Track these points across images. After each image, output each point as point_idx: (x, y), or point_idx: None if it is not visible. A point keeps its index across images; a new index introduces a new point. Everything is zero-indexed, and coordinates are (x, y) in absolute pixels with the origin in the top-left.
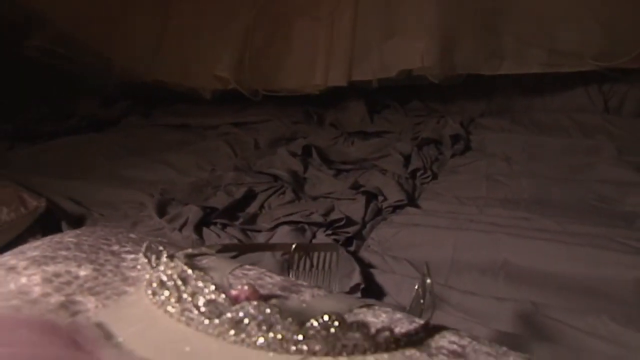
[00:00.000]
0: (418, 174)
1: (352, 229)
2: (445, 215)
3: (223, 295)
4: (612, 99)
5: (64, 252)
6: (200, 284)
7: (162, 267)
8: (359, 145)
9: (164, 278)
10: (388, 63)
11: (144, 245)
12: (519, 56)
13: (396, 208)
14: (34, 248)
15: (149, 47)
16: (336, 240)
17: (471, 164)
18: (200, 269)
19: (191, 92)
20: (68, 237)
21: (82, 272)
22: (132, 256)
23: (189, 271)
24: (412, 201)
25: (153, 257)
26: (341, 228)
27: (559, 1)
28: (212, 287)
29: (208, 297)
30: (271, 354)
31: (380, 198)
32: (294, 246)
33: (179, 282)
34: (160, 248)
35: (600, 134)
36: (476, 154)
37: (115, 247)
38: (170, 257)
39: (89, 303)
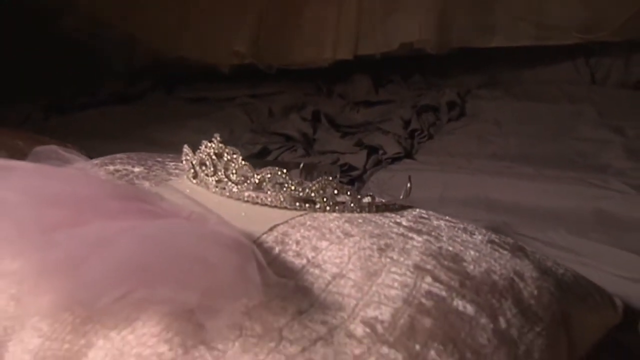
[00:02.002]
0: (416, 134)
1: (354, 173)
2: (437, 164)
3: (249, 165)
4: (598, 72)
5: (118, 160)
6: (231, 156)
7: (202, 147)
8: (364, 112)
9: (203, 156)
10: (390, 37)
11: (185, 145)
12: (510, 30)
13: (394, 160)
14: (93, 160)
15: (172, 26)
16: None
17: (465, 127)
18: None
19: (210, 68)
20: (118, 155)
21: (136, 169)
22: (173, 163)
23: (222, 146)
24: (409, 155)
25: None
26: (345, 173)
27: None
28: (240, 158)
29: (237, 166)
30: (282, 210)
31: (381, 152)
32: (301, 165)
33: (215, 158)
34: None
35: (585, 102)
36: (470, 119)
37: (159, 159)
38: (209, 141)
39: (144, 184)
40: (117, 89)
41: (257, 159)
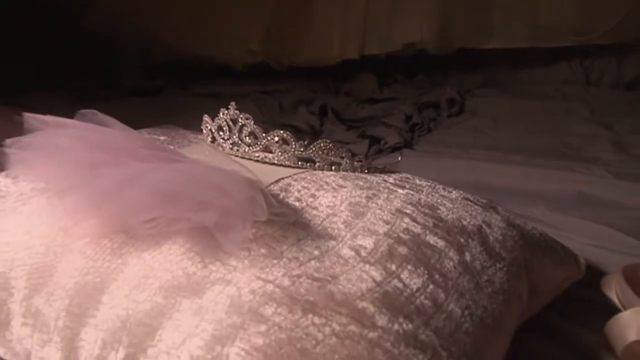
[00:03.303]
0: (416, 127)
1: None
2: (434, 153)
3: (260, 128)
4: (592, 73)
5: (145, 131)
6: (245, 121)
7: (220, 114)
8: (368, 108)
9: (221, 122)
10: (394, 38)
11: (204, 115)
12: (506, 32)
13: (394, 150)
14: None
15: (188, 25)
16: None
17: (462, 122)
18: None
19: (224, 65)
20: (144, 129)
21: (162, 137)
22: (193, 135)
23: (238, 112)
24: (408, 145)
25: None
26: None
27: None
28: (252, 122)
29: (250, 129)
30: (287, 168)
31: (382, 142)
32: (306, 141)
33: (231, 123)
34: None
35: (578, 100)
36: (468, 115)
37: (181, 132)
38: (227, 107)
39: (170, 147)
40: (134, 83)
41: None
